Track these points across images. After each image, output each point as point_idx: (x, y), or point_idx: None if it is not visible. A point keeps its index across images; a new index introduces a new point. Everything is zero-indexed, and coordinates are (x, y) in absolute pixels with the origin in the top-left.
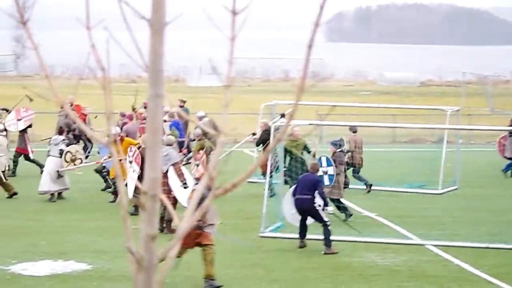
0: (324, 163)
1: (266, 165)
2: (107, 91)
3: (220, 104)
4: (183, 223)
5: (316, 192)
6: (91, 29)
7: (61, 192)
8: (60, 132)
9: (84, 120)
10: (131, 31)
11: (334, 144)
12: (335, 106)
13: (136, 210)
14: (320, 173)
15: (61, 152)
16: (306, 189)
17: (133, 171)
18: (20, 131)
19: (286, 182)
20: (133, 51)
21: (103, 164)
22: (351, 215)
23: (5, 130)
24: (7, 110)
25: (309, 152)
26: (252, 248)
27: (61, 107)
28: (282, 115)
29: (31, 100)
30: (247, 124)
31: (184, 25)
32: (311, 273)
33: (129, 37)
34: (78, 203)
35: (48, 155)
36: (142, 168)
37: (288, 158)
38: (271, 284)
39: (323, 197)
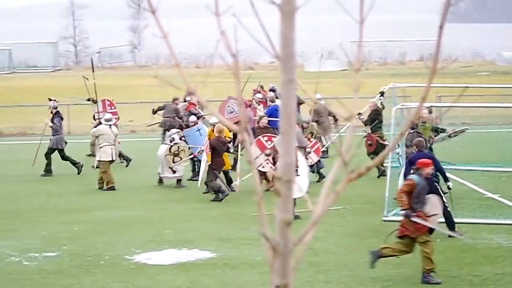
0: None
1: (373, 146)
2: (238, 78)
3: (338, 88)
4: (317, 208)
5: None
6: (220, 15)
7: (180, 180)
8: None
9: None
10: (259, 16)
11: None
12: (455, 87)
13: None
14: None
15: (171, 140)
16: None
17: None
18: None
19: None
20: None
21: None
22: None
23: (111, 120)
24: (94, 102)
25: (440, 132)
26: (376, 233)
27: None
28: (382, 93)
29: (94, 102)
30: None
31: (308, 10)
32: (436, 255)
33: (257, 23)
34: (199, 191)
35: (162, 143)
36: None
37: None
38: (396, 268)
39: (443, 172)
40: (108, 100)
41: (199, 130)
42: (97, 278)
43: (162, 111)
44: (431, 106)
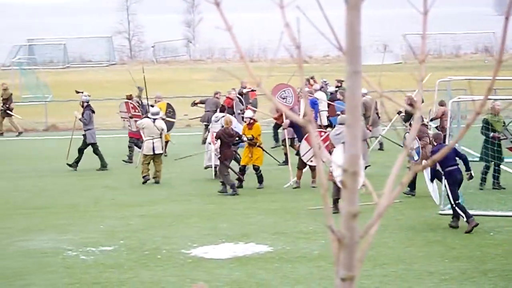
0: None
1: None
2: (301, 71)
3: (393, 81)
4: (383, 200)
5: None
6: (284, 7)
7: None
8: (221, 110)
9: (230, 104)
10: (322, 9)
11: None
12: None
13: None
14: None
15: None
16: (452, 159)
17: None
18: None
19: (481, 159)
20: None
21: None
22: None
23: (157, 113)
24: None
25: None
26: (432, 226)
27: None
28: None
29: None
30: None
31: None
32: (492, 249)
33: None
34: (256, 185)
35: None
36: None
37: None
38: (452, 262)
39: (466, 162)
40: (131, 103)
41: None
42: (154, 272)
43: (203, 105)
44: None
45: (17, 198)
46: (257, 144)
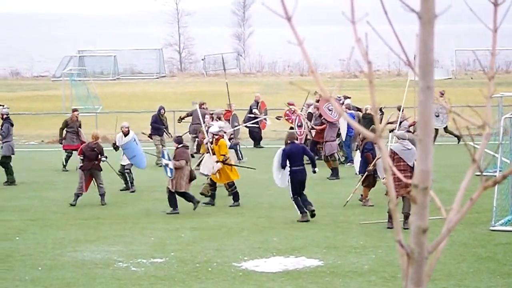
0: (165, 156)
1: None
2: (372, 85)
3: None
4: (452, 215)
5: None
6: (356, 23)
7: None
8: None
9: (228, 117)
10: (391, 24)
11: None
12: None
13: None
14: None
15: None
16: (300, 159)
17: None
18: None
19: None
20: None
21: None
22: None
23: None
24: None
25: None
26: (483, 242)
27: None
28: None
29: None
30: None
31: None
32: None
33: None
34: (309, 198)
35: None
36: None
37: None
38: (504, 278)
39: (314, 161)
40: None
41: (135, 140)
42: (205, 284)
43: (190, 117)
44: None
45: (68, 209)
46: (223, 160)
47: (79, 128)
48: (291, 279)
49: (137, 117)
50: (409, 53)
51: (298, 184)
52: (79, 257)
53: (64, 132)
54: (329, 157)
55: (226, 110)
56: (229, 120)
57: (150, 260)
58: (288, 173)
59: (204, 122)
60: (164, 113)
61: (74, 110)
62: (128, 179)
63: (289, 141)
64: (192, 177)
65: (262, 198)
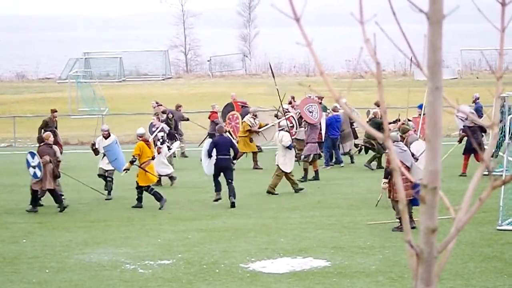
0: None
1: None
2: (381, 86)
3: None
4: (461, 215)
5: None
6: (364, 23)
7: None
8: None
9: (216, 118)
10: (399, 25)
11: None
12: None
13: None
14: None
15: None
16: (226, 150)
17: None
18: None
19: None
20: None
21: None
22: None
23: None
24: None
25: None
26: (490, 242)
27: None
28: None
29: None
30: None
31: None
32: None
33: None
34: (315, 199)
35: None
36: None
37: None
38: (511, 277)
39: (237, 153)
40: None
41: (117, 142)
42: (212, 286)
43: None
44: None
45: (75, 211)
46: (131, 161)
47: (56, 129)
48: (298, 280)
49: (143, 119)
50: (416, 54)
51: (220, 169)
52: (86, 259)
53: (43, 131)
54: (303, 157)
55: (211, 112)
56: (214, 121)
57: (157, 262)
58: (214, 160)
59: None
60: (173, 116)
61: (53, 111)
62: (109, 186)
63: (218, 134)
64: (55, 175)
65: (268, 199)
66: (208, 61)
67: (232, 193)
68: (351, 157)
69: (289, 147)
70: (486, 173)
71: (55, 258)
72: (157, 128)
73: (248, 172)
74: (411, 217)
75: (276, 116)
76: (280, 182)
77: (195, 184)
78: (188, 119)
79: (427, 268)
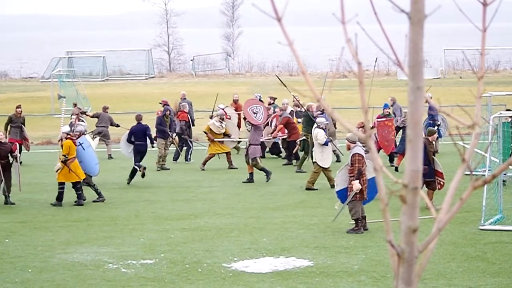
0: None
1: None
2: (362, 86)
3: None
4: (442, 215)
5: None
6: (346, 23)
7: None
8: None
9: (186, 118)
10: (381, 24)
11: None
12: None
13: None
14: None
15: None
16: (142, 137)
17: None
18: None
19: None
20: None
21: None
22: None
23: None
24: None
25: None
26: (472, 241)
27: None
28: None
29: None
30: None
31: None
32: None
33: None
34: (299, 199)
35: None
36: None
37: None
38: (494, 277)
39: (152, 139)
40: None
41: (80, 144)
42: (195, 285)
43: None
44: None
45: (58, 211)
46: (63, 160)
47: (22, 124)
48: (281, 279)
49: (126, 118)
50: (398, 53)
51: (139, 154)
52: (69, 259)
53: (9, 127)
54: (251, 161)
55: (179, 111)
56: (186, 120)
57: (140, 261)
58: (133, 146)
59: (108, 126)
60: (170, 114)
61: (18, 107)
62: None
63: (136, 122)
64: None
65: (252, 199)
66: (191, 60)
67: (144, 167)
68: (337, 156)
69: (325, 144)
70: (468, 173)
71: (38, 257)
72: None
73: (229, 172)
74: (364, 218)
75: (211, 117)
76: (262, 182)
77: (178, 183)
78: (118, 125)
79: (408, 268)
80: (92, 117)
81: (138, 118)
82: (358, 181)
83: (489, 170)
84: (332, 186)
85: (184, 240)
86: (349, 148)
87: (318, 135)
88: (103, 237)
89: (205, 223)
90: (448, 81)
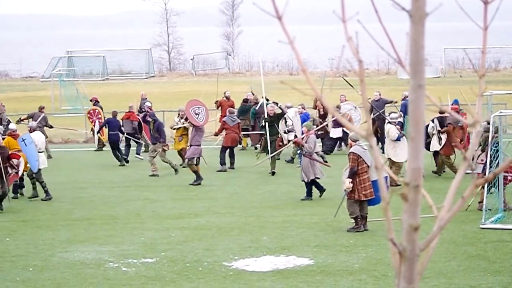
0: None
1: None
2: (363, 84)
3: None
4: (444, 213)
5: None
6: (346, 22)
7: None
8: None
9: (136, 118)
10: (382, 23)
11: None
12: None
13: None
14: None
15: None
16: (116, 128)
17: None
18: None
19: None
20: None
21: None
22: None
23: None
24: None
25: None
26: (473, 240)
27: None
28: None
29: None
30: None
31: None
32: None
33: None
34: (297, 198)
35: None
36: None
37: None
38: (495, 276)
39: (122, 132)
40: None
41: (23, 140)
42: (195, 284)
43: (31, 119)
44: None
45: (59, 210)
46: None
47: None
48: (281, 278)
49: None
50: (399, 52)
51: (113, 143)
52: (69, 257)
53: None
54: (187, 161)
55: (131, 112)
56: (137, 121)
57: (140, 260)
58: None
59: (43, 126)
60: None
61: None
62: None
63: (111, 115)
64: None
65: (252, 197)
66: (191, 59)
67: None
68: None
69: (397, 139)
70: (469, 171)
71: (39, 256)
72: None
73: (229, 171)
74: (365, 218)
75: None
76: (262, 180)
77: (179, 182)
78: (52, 127)
79: (409, 266)
80: (27, 119)
81: (114, 114)
82: (349, 180)
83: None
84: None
85: (185, 239)
86: (351, 147)
87: (390, 130)
88: (104, 236)
89: (205, 222)
90: (448, 80)
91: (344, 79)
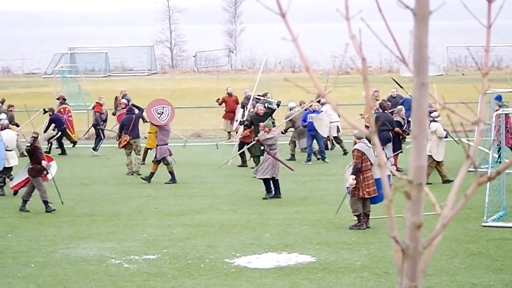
0: None
1: None
2: (366, 82)
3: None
4: (447, 211)
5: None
6: (350, 19)
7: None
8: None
9: (101, 110)
10: (386, 21)
11: None
12: None
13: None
14: None
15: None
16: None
17: None
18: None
19: None
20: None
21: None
22: None
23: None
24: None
25: None
26: (475, 238)
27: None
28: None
29: (45, 112)
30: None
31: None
32: None
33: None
34: (301, 195)
35: None
36: None
37: None
38: (496, 273)
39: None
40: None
41: None
42: (197, 281)
43: None
44: None
45: (61, 206)
46: None
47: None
48: (283, 275)
49: None
50: (402, 50)
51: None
52: (71, 254)
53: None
54: (163, 161)
55: (97, 103)
56: (103, 113)
57: (142, 256)
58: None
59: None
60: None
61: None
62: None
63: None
64: None
65: (254, 194)
66: (193, 56)
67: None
68: (308, 154)
69: (445, 137)
70: (472, 169)
71: (40, 252)
72: None
73: (231, 168)
74: (368, 216)
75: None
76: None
77: (181, 179)
78: (18, 125)
79: (412, 263)
80: None
81: (53, 111)
82: (353, 177)
83: (492, 167)
84: (444, 182)
85: (187, 236)
86: (355, 144)
87: (438, 128)
88: (106, 233)
89: (207, 219)
90: (450, 78)
91: (394, 80)
